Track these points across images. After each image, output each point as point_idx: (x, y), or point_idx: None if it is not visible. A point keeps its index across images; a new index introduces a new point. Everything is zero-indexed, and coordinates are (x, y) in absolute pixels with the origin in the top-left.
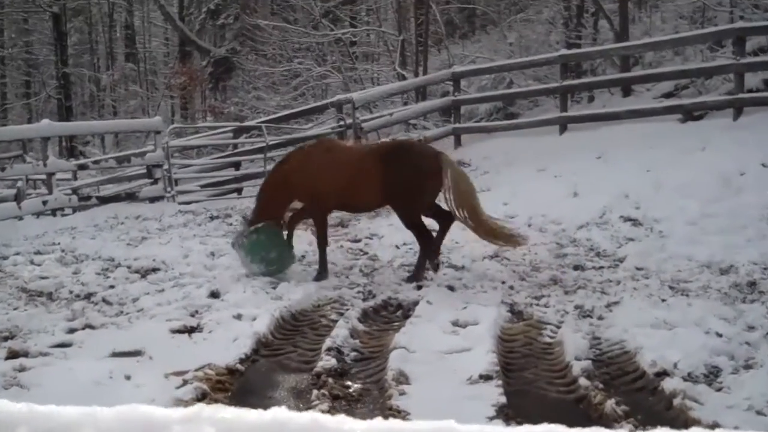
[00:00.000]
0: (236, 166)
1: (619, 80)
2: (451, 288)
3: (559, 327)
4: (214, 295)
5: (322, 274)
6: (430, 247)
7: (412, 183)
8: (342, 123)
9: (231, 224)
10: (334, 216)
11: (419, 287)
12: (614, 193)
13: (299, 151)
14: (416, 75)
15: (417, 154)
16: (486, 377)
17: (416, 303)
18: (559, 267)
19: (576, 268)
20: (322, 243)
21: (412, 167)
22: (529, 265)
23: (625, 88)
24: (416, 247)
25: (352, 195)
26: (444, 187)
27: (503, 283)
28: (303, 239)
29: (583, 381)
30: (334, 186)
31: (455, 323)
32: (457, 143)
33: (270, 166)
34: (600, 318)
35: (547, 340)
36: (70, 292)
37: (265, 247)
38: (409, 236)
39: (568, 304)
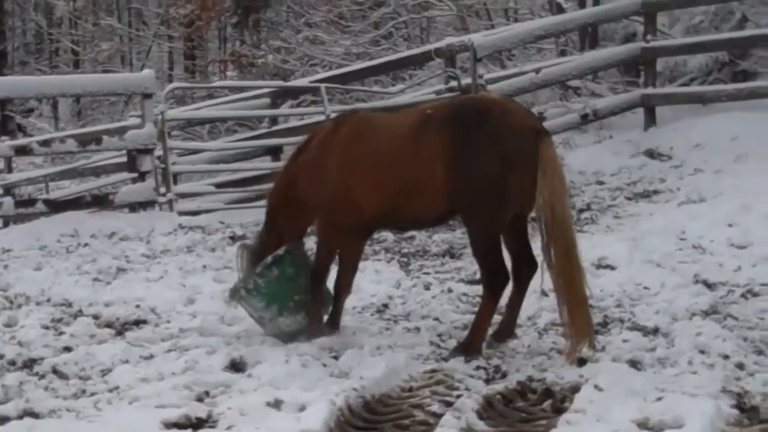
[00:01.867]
0: (275, 153)
1: None
2: (635, 364)
3: None
4: (237, 366)
5: (316, 326)
6: (496, 301)
7: (493, 172)
8: (454, 83)
9: None
10: (438, 240)
11: (581, 361)
12: None
13: (313, 136)
14: (581, 5)
15: (506, 120)
16: None
17: (576, 389)
18: None
19: None
20: (320, 275)
21: (496, 144)
22: None
23: None
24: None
25: (403, 199)
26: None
27: (726, 358)
28: (384, 274)
29: None
30: (374, 188)
31: (643, 425)
32: (650, 120)
33: None
34: None
35: None
36: (1, 356)
37: (295, 287)
38: None
39: None
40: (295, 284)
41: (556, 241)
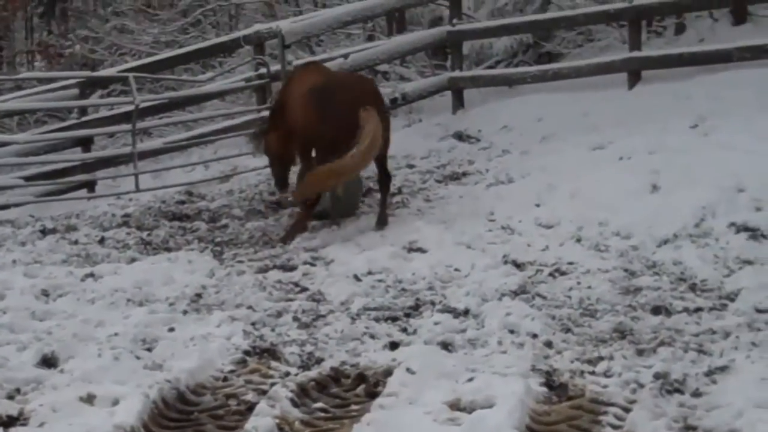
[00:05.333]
0: (85, 144)
1: None
2: (446, 346)
3: (628, 410)
4: (49, 362)
5: None
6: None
7: None
8: (263, 71)
9: (76, 242)
10: (251, 228)
11: (393, 345)
12: (720, 185)
13: None
14: None
15: None
16: None
17: (389, 372)
18: (628, 309)
19: (656, 311)
20: None
21: None
22: (578, 306)
23: (738, 11)
24: (388, 278)
25: None
26: None
27: (535, 336)
28: (197, 264)
29: None
30: None
31: (455, 406)
32: (458, 103)
33: (143, 144)
34: (697, 394)
35: (609, 431)
36: None
37: None
38: (377, 261)
39: (643, 372)
40: None
41: None
